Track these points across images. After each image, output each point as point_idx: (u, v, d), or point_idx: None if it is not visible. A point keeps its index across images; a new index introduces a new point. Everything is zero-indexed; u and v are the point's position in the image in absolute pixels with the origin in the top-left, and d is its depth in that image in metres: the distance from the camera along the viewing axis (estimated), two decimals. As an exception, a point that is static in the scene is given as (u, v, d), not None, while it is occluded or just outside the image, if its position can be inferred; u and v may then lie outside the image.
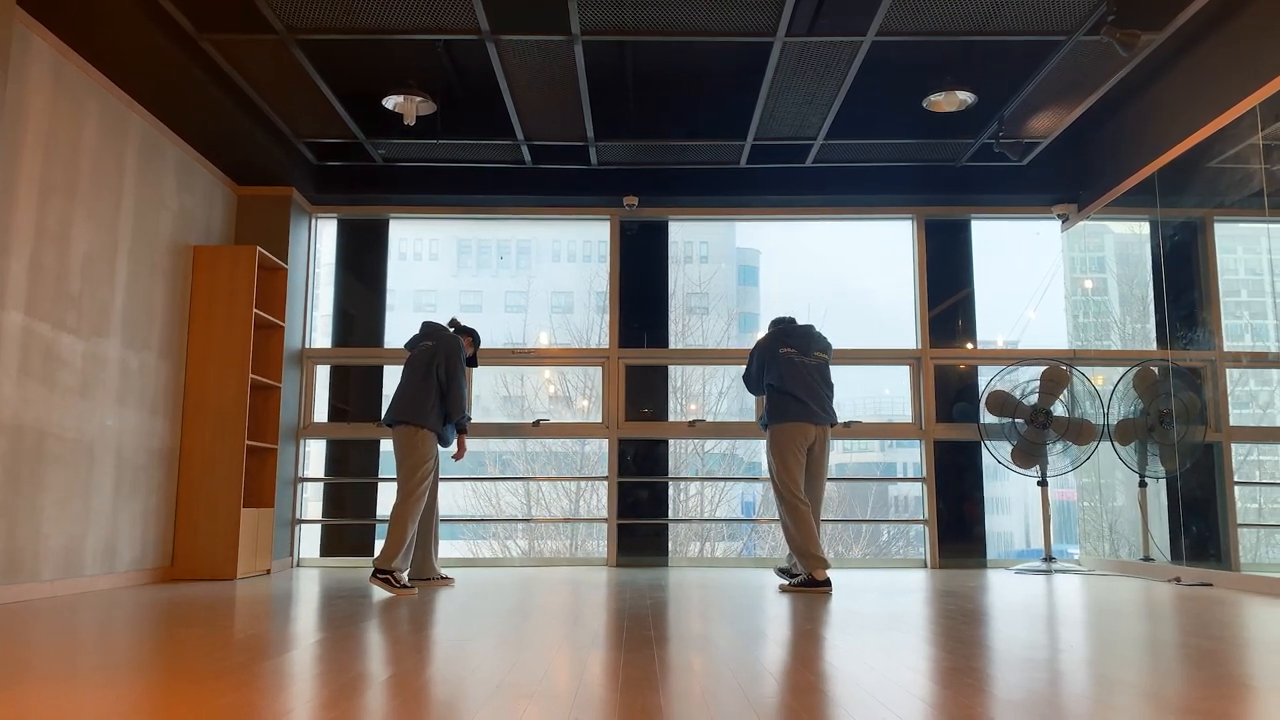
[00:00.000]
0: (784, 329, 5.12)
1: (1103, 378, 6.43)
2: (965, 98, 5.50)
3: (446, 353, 4.90)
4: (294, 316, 6.50)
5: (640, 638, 2.98)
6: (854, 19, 4.71)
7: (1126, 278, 6.36)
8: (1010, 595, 4.52)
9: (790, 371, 4.95)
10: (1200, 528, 5.41)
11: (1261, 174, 4.73)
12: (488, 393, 8.48)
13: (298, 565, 6.60)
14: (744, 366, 5.31)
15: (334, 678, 2.28)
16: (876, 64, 5.43)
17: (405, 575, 4.76)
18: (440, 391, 4.86)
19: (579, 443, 9.42)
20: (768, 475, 5.04)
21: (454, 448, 5.17)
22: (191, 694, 2.08)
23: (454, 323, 5.22)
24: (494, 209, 6.98)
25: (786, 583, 4.88)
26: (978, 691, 2.12)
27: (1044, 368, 6.39)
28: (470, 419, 5.09)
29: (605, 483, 6.71)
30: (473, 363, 5.37)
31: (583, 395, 9.57)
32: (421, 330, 5.10)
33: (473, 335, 5.36)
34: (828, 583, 4.68)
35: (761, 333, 5.33)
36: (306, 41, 4.93)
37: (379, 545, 6.69)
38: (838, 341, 6.94)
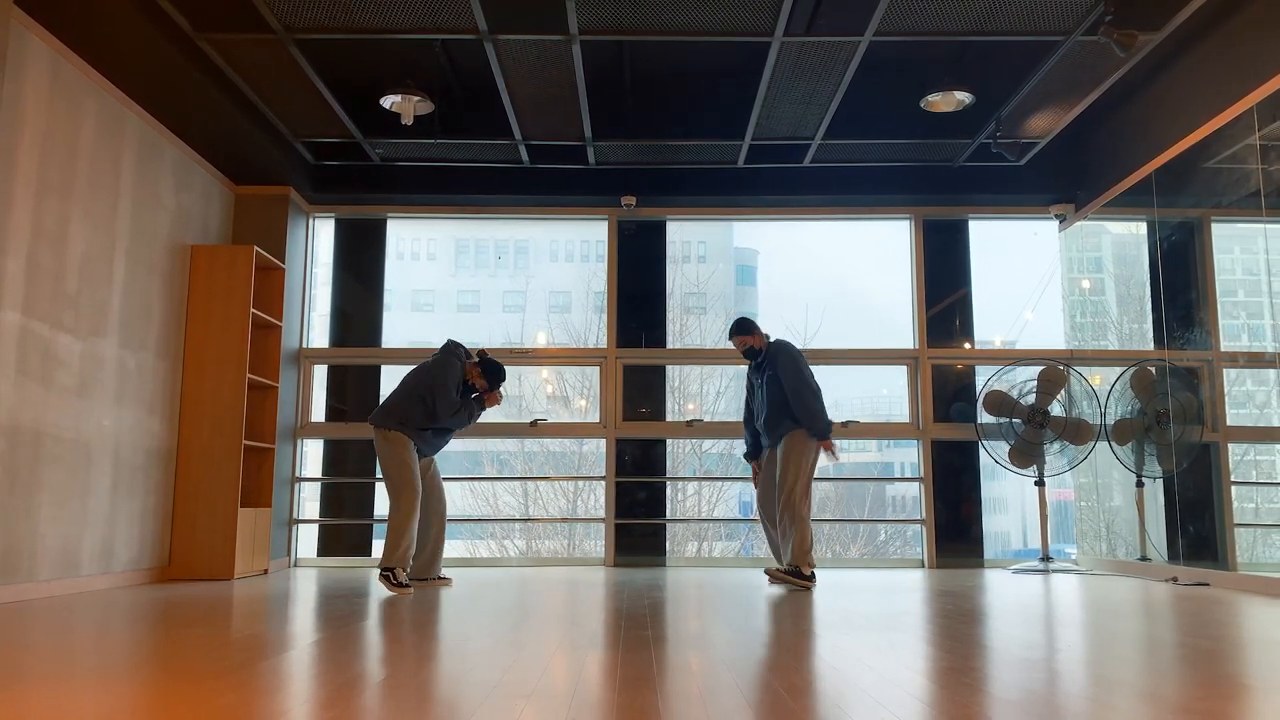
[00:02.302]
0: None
1: (1100, 378, 6.44)
2: (963, 98, 5.51)
3: (433, 366, 4.93)
4: (291, 316, 6.50)
5: (638, 638, 2.98)
6: (852, 19, 4.71)
7: (1124, 278, 6.36)
8: (1007, 595, 4.53)
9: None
10: (1197, 527, 5.42)
11: (1259, 174, 4.74)
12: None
13: (295, 565, 6.59)
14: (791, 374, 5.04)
15: (331, 678, 2.28)
16: (874, 64, 5.43)
17: (404, 574, 4.75)
18: (420, 401, 4.88)
19: (577, 442, 9.42)
20: (786, 482, 4.90)
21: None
22: (189, 694, 2.08)
23: (481, 353, 5.12)
24: (492, 209, 6.97)
25: (781, 571, 4.86)
26: (975, 691, 2.12)
27: (1041, 368, 6.39)
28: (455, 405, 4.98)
29: (603, 482, 6.71)
30: (481, 401, 5.04)
31: (580, 395, 9.57)
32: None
33: (483, 366, 5.01)
34: (814, 576, 4.89)
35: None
36: (304, 41, 4.93)
37: (377, 545, 6.72)
38: (836, 341, 6.95)
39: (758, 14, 4.65)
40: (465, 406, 4.96)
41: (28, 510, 4.28)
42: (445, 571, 5.40)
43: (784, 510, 4.91)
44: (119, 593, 4.61)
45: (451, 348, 5.05)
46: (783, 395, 5.00)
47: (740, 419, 5.55)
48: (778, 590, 4.75)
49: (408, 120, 5.38)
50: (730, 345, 5.26)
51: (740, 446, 5.53)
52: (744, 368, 6.74)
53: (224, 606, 3.95)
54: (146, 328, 5.29)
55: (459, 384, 4.95)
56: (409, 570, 4.80)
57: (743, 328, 5.21)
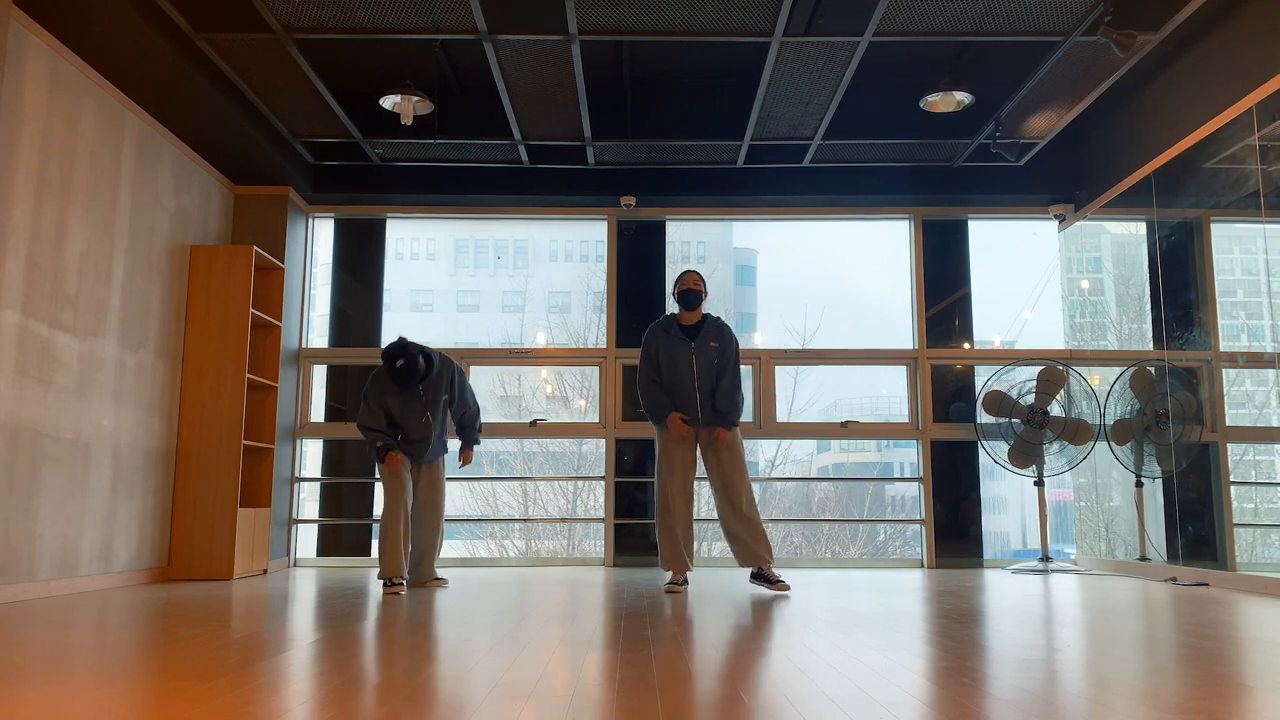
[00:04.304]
0: None
1: (1099, 378, 6.44)
2: (962, 98, 5.51)
3: None
4: (291, 316, 6.49)
5: (637, 638, 2.98)
6: (851, 19, 4.71)
7: (1123, 278, 6.37)
8: (1007, 595, 4.53)
9: None
10: (1196, 527, 5.42)
11: (1258, 174, 4.74)
12: (485, 393, 8.47)
13: (294, 565, 6.59)
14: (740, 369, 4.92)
15: (331, 678, 2.28)
16: (874, 64, 5.44)
17: (399, 576, 4.74)
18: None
19: (576, 442, 9.42)
20: (746, 476, 4.76)
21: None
22: (188, 694, 2.08)
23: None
24: (491, 209, 6.97)
25: (770, 574, 4.79)
26: (974, 691, 2.12)
27: (1041, 368, 6.39)
28: (373, 435, 4.80)
29: (602, 482, 6.71)
30: (394, 376, 4.74)
31: (580, 395, 9.57)
32: None
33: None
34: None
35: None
36: (304, 41, 4.93)
37: (375, 546, 6.72)
38: (836, 341, 6.96)
39: (757, 14, 4.65)
40: (377, 406, 4.77)
41: (27, 510, 4.28)
42: (443, 572, 5.39)
43: (750, 507, 4.68)
44: (118, 593, 4.60)
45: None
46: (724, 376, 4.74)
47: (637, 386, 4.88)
48: (760, 589, 4.74)
49: (407, 120, 5.38)
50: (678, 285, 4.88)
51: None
52: (744, 368, 6.74)
53: (223, 606, 3.95)
54: (146, 327, 5.29)
55: (380, 390, 4.79)
56: (403, 573, 4.78)
57: (703, 278, 4.85)
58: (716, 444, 4.72)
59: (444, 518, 5.09)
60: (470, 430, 5.14)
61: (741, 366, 5.02)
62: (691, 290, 4.81)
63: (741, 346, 5.02)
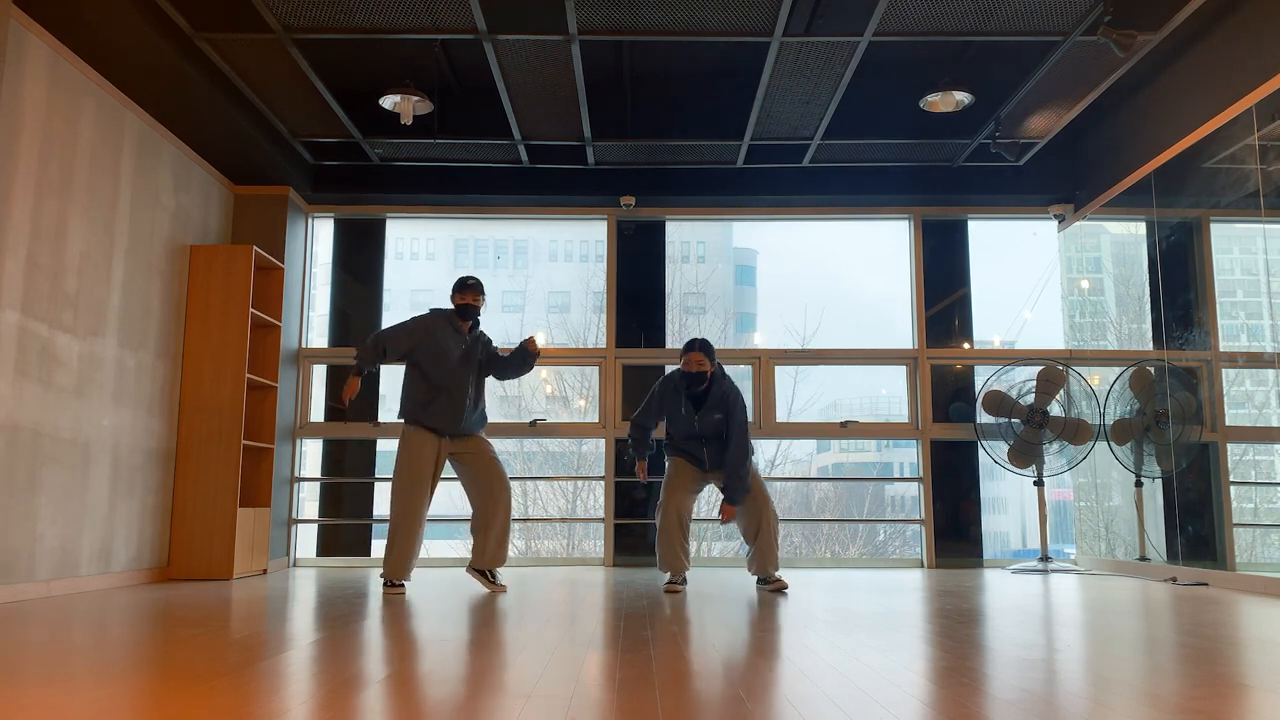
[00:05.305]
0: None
1: (1099, 378, 6.44)
2: (962, 98, 5.51)
3: None
4: (290, 316, 6.49)
5: (637, 638, 2.98)
6: (851, 19, 4.71)
7: (1123, 278, 6.37)
8: (1006, 595, 4.53)
9: None
10: (1196, 527, 5.42)
11: (1257, 174, 4.74)
12: (485, 393, 8.48)
13: (294, 565, 6.59)
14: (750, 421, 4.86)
15: (330, 678, 2.28)
16: (874, 64, 5.44)
17: (403, 577, 4.71)
18: (410, 375, 4.74)
19: (576, 442, 9.42)
20: (770, 500, 4.80)
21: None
22: (187, 694, 2.08)
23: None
24: (491, 209, 6.97)
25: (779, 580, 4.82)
26: (974, 691, 2.12)
27: (1040, 368, 6.40)
28: (360, 364, 4.70)
29: (602, 482, 6.71)
30: (464, 313, 4.76)
31: (580, 395, 9.58)
32: None
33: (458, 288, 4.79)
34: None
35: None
36: (303, 41, 4.93)
37: (375, 545, 6.72)
38: (835, 341, 6.96)
39: (757, 14, 4.65)
40: (402, 333, 4.67)
41: (26, 510, 4.28)
42: (442, 572, 5.36)
43: (774, 532, 4.74)
44: (118, 593, 4.60)
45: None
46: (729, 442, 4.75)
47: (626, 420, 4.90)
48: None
49: (407, 120, 5.38)
50: (734, 347, 5.04)
51: None
52: (743, 368, 6.75)
53: (223, 606, 3.95)
54: (145, 327, 5.29)
55: (428, 323, 4.70)
56: (407, 578, 4.71)
57: (710, 351, 4.81)
58: (727, 514, 4.77)
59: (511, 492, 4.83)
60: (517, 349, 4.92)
61: (743, 381, 5.03)
62: (698, 391, 4.78)
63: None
